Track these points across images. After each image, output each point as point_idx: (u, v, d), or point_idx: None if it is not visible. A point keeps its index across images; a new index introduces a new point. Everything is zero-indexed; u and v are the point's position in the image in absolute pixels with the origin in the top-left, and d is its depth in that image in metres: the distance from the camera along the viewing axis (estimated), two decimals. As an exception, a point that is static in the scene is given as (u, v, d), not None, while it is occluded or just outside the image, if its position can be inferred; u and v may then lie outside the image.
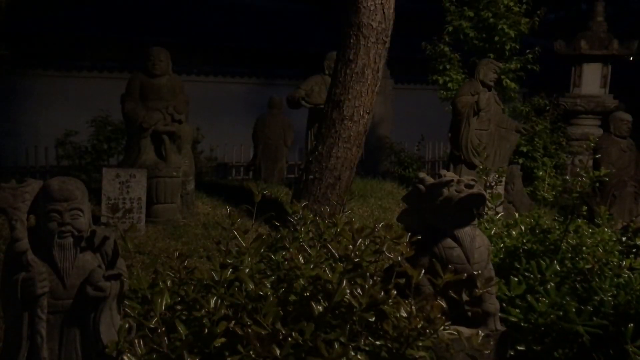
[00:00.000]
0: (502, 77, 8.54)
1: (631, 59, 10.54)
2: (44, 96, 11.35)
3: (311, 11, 15.81)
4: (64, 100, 11.38)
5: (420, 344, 2.06)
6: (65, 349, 2.14)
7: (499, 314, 2.84)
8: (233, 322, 2.08)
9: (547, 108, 9.50)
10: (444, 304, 2.12)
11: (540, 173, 7.68)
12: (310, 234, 2.92)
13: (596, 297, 3.03)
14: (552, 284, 3.03)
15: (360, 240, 2.22)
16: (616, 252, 3.51)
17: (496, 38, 8.71)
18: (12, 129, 10.70)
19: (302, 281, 2.28)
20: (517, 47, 8.90)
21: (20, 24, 10.91)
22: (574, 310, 2.86)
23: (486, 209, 3.59)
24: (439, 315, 2.04)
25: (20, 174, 8.10)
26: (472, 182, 2.70)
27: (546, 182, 7.31)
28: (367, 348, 2.11)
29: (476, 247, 2.72)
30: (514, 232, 3.68)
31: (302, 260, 2.29)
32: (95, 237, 2.17)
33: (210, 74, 12.83)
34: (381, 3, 4.77)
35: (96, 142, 8.63)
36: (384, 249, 2.30)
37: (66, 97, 11.44)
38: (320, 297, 2.20)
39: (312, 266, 2.30)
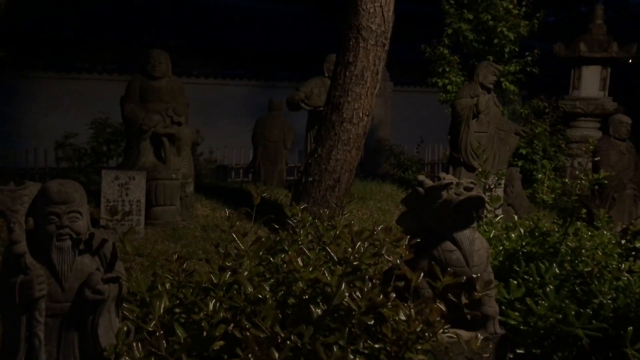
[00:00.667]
0: (502, 79, 8.55)
1: (630, 61, 10.54)
2: (44, 98, 11.35)
3: (311, 13, 15.83)
4: (63, 102, 11.39)
5: (420, 347, 2.06)
6: (64, 352, 2.13)
7: (498, 317, 2.84)
8: (232, 325, 2.08)
9: (547, 110, 9.50)
10: (443, 307, 2.12)
11: (540, 176, 7.70)
12: (310, 237, 2.92)
13: (595, 300, 3.03)
14: (552, 287, 3.03)
15: (359, 243, 2.22)
16: (615, 255, 3.51)
17: (495, 40, 8.71)
18: (11, 131, 10.70)
19: (301, 284, 2.28)
20: (517, 49, 8.90)
21: (20, 25, 10.91)
22: (573, 313, 2.85)
23: (485, 211, 3.59)
24: (438, 319, 2.04)
25: (20, 176, 8.11)
26: (471, 185, 2.71)
27: (545, 184, 7.32)
28: (366, 351, 2.11)
29: (475, 250, 2.72)
30: (513, 235, 3.68)
31: (301, 263, 2.29)
32: (94, 240, 2.17)
33: (210, 76, 12.84)
34: (380, 5, 4.78)
35: (95, 144, 8.63)
36: (383, 252, 2.30)
37: (66, 99, 11.45)
38: (319, 300, 2.20)
39: (311, 269, 2.29)
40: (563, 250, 3.44)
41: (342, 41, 4.92)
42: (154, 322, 2.04)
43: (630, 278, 3.14)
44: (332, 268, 2.29)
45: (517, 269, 3.30)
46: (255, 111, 10.20)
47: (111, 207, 2.66)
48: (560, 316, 2.87)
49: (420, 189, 2.77)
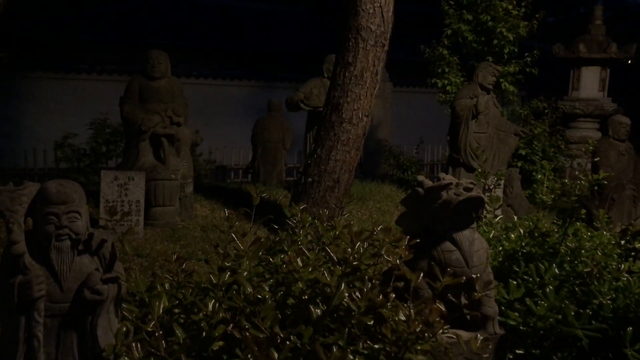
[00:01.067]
0: (501, 80, 8.55)
1: (629, 62, 10.54)
2: (43, 98, 11.35)
3: (310, 14, 15.83)
4: (62, 102, 11.39)
5: (419, 347, 2.06)
6: (63, 352, 2.13)
7: (498, 318, 2.83)
8: (231, 325, 2.07)
9: (546, 111, 9.51)
10: (442, 308, 2.12)
11: (539, 176, 7.71)
12: (309, 237, 2.91)
13: (595, 301, 3.03)
14: (551, 288, 3.03)
15: (359, 243, 2.22)
16: (615, 256, 3.51)
17: (495, 41, 8.72)
18: (11, 131, 10.70)
19: (300, 284, 2.28)
20: (516, 50, 8.90)
21: (19, 26, 10.91)
22: (572, 313, 2.85)
23: (485, 212, 3.59)
24: (437, 319, 2.04)
25: (19, 177, 8.10)
26: (471, 185, 2.70)
27: (545, 185, 7.32)
28: (365, 352, 2.11)
29: (475, 251, 2.71)
30: (512, 236, 3.67)
31: (300, 264, 2.29)
32: (93, 240, 2.17)
33: (209, 76, 12.84)
34: (380, 6, 4.78)
35: (95, 144, 8.62)
36: (383, 252, 2.30)
37: (65, 99, 11.45)
38: (318, 301, 2.20)
39: (310, 269, 2.29)
40: (563, 250, 3.44)
41: (341, 42, 4.92)
42: (153, 323, 2.03)
43: (630, 278, 3.14)
44: (332, 268, 2.28)
45: (517, 269, 3.30)
46: (254, 112, 10.20)
47: (110, 208, 2.66)
48: (560, 317, 2.87)
49: (420, 190, 2.76)
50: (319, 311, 2.13)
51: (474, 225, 2.77)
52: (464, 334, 2.50)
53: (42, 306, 2.07)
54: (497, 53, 8.80)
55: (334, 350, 2.01)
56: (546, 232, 3.58)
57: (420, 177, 2.85)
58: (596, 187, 3.76)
